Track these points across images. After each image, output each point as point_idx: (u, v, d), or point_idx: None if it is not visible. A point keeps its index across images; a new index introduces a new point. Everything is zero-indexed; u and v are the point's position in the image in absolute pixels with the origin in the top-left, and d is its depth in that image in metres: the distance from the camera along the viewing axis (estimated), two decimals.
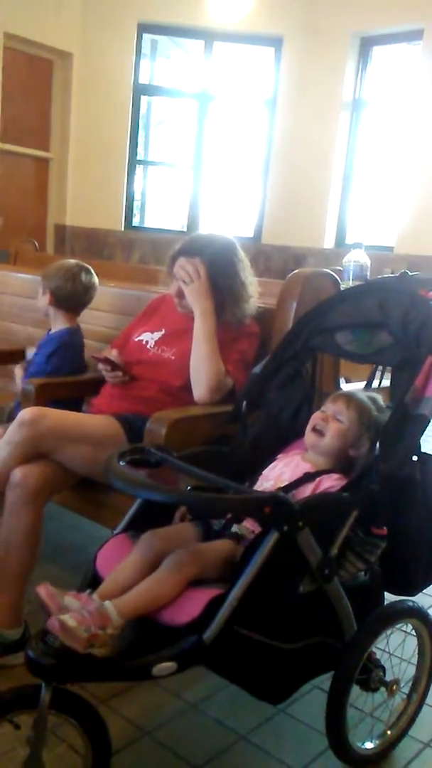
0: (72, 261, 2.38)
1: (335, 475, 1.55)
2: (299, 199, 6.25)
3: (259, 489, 1.60)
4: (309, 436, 1.63)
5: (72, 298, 2.32)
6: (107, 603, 1.26)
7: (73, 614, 1.21)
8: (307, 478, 1.55)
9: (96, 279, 2.39)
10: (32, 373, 2.31)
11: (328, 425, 1.60)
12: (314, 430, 1.62)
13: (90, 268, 2.37)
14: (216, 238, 2.09)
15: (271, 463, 1.69)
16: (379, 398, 1.67)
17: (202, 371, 1.94)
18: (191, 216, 6.72)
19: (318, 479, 1.54)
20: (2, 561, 1.84)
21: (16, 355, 2.81)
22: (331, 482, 1.52)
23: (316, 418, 1.64)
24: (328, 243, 6.32)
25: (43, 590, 1.26)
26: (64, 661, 1.21)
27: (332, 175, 6.22)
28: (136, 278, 3.14)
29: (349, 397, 1.63)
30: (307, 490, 1.53)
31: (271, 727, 1.74)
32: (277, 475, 1.62)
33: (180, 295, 2.06)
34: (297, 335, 1.82)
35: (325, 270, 2.10)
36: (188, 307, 2.04)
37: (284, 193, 6.35)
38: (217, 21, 6.15)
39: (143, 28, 6.29)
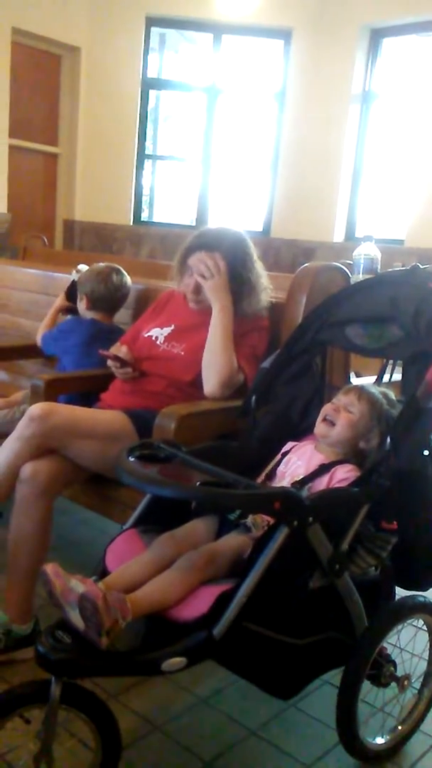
0: (102, 264, 2.48)
1: (349, 466, 1.54)
2: (309, 193, 6.21)
3: (278, 485, 1.60)
4: (319, 426, 1.63)
5: (106, 299, 2.42)
6: (126, 597, 1.26)
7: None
8: (322, 469, 1.54)
9: (128, 279, 2.47)
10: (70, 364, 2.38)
11: (339, 415, 1.60)
12: (325, 420, 1.62)
13: (120, 268, 2.46)
14: (229, 232, 2.08)
15: (281, 456, 1.69)
16: (391, 393, 1.66)
17: (216, 366, 1.94)
18: (200, 210, 6.70)
19: (333, 470, 1.54)
20: (13, 556, 1.84)
21: (25, 350, 2.81)
22: (345, 473, 1.51)
23: (327, 408, 1.64)
24: (338, 236, 6.28)
25: (51, 568, 1.27)
26: (74, 655, 1.21)
27: (342, 168, 6.18)
28: (145, 273, 3.13)
29: (361, 390, 1.63)
30: (323, 482, 1.53)
31: (282, 722, 1.73)
32: (293, 470, 1.62)
33: (197, 290, 2.05)
34: (307, 329, 1.81)
35: (335, 263, 2.09)
36: (205, 302, 2.02)
37: (293, 186, 6.31)
38: (225, 14, 6.11)
39: (151, 22, 6.26)
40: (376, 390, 1.64)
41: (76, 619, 1.21)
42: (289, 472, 1.62)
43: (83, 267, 2.59)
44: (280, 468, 1.66)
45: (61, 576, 1.26)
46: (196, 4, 6.10)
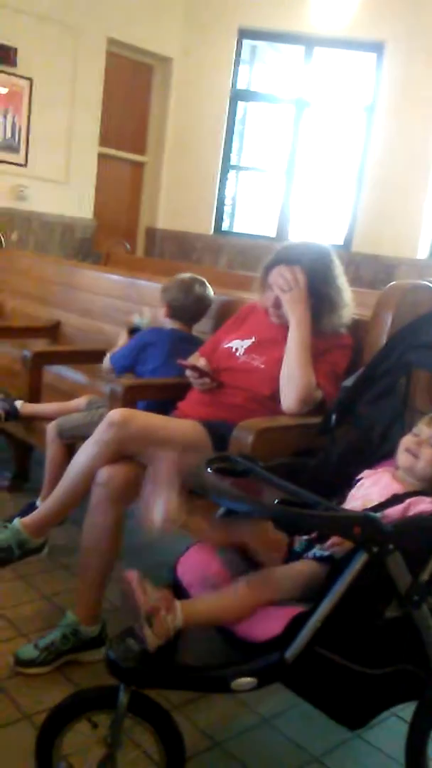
0: (187, 274, 2.49)
1: (428, 499, 1.48)
2: (393, 207, 6.11)
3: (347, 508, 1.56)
4: (403, 457, 1.57)
5: (185, 308, 2.44)
6: (177, 602, 1.26)
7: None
8: (396, 499, 1.49)
9: (210, 291, 2.47)
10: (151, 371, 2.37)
11: (422, 450, 1.54)
12: (408, 451, 1.57)
13: (204, 280, 2.47)
14: (313, 246, 2.06)
15: (357, 479, 1.64)
16: None
17: (294, 381, 1.91)
18: (281, 222, 6.69)
19: (408, 501, 1.48)
20: (84, 558, 1.86)
21: (105, 354, 2.85)
22: (424, 506, 1.46)
23: (408, 441, 1.58)
24: (422, 253, 6.15)
25: (132, 576, 1.26)
26: (144, 665, 1.21)
27: (429, 183, 6.06)
28: (224, 283, 3.14)
29: None
30: (396, 512, 1.47)
31: (346, 751, 1.69)
32: (363, 494, 1.57)
33: (277, 305, 2.03)
34: (392, 349, 1.77)
35: (424, 282, 2.04)
36: (284, 316, 2.01)
37: (378, 200, 6.23)
38: (318, 27, 6.10)
39: (244, 34, 6.31)
40: None
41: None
42: (360, 495, 1.58)
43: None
44: (352, 491, 1.62)
45: (142, 582, 1.25)
46: (290, 16, 6.11)
